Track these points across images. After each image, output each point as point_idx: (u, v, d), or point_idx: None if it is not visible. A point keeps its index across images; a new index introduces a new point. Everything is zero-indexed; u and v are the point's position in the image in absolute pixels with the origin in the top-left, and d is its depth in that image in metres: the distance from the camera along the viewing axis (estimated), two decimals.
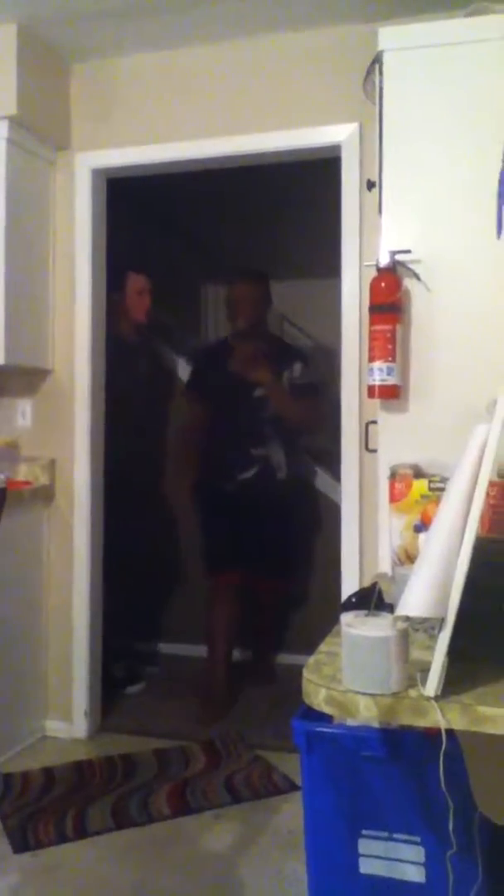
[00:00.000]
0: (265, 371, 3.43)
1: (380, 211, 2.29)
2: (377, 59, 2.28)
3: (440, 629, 1.15)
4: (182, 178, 3.25)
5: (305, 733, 1.66)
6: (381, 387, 2.21)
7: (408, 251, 2.21)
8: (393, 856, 1.65)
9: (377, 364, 2.20)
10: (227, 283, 3.68)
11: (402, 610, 1.17)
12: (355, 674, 1.18)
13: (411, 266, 2.21)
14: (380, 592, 1.59)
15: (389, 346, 2.18)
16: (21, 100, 2.84)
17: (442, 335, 2.22)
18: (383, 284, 2.21)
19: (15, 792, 2.69)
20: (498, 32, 2.15)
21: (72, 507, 3.16)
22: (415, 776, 1.60)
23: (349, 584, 2.71)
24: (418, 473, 2.04)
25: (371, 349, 2.23)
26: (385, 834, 1.65)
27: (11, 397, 3.22)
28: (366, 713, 1.18)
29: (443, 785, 1.24)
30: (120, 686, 3.60)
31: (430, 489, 1.95)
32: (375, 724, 1.58)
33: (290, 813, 2.50)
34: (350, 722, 1.56)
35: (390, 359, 2.19)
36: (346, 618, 1.24)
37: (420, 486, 1.97)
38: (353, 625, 1.20)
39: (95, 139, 3.12)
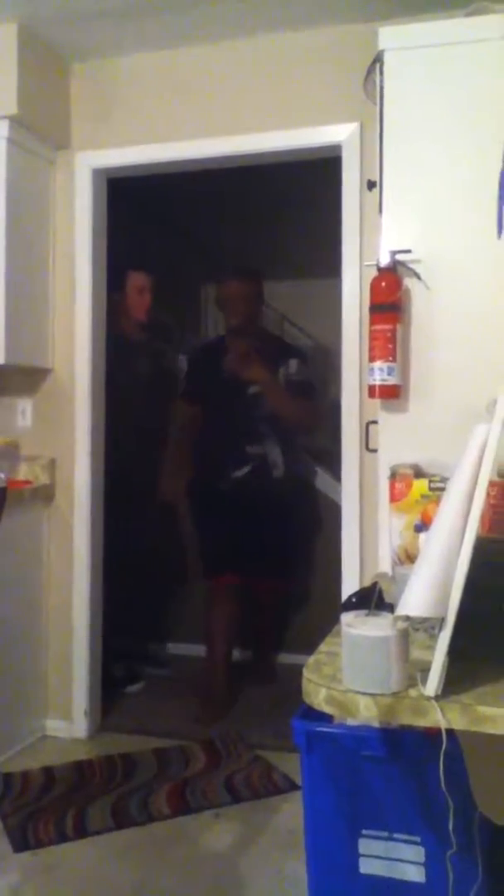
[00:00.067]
0: (259, 368, 3.41)
1: (380, 210, 2.29)
2: (378, 59, 2.28)
3: (440, 629, 1.15)
4: (182, 178, 3.25)
5: (305, 733, 1.66)
6: (381, 387, 2.21)
7: (408, 251, 2.21)
8: (393, 856, 1.65)
9: (377, 364, 2.20)
10: (219, 282, 3.66)
11: (402, 610, 1.17)
12: (355, 673, 1.18)
13: (412, 266, 2.21)
14: (380, 592, 1.59)
15: (390, 346, 2.18)
16: (21, 99, 2.84)
17: (442, 335, 2.22)
18: (384, 284, 2.21)
19: (15, 791, 2.69)
20: (498, 32, 2.15)
21: (72, 507, 3.16)
22: (415, 776, 1.60)
23: (349, 584, 2.71)
24: (418, 473, 2.04)
25: (371, 349, 2.23)
26: (385, 834, 1.65)
27: (11, 396, 3.22)
28: (366, 713, 1.18)
29: (443, 785, 1.24)
30: (120, 685, 3.60)
31: (431, 489, 1.95)
32: (375, 724, 1.58)
33: (290, 813, 2.50)
34: (350, 722, 1.56)
35: (391, 359, 2.19)
36: (347, 617, 1.24)
37: (420, 485, 1.97)
38: (354, 624, 1.20)
39: (96, 139, 3.12)
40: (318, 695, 1.21)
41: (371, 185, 2.47)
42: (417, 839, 1.63)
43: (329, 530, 3.37)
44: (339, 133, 2.80)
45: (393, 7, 2.61)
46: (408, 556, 1.89)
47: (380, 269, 2.23)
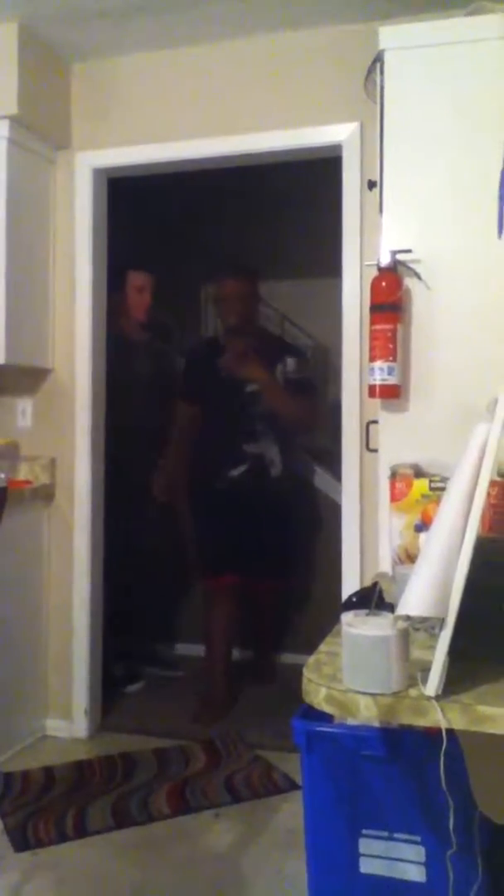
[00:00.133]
0: (257, 367, 3.39)
1: (380, 210, 2.29)
2: (378, 59, 2.29)
3: (441, 629, 1.15)
4: (182, 178, 3.25)
5: (306, 733, 1.66)
6: (381, 386, 2.21)
7: (408, 251, 2.21)
8: (393, 855, 1.65)
9: (378, 364, 2.20)
10: (215, 281, 3.65)
11: (402, 609, 1.17)
12: (356, 673, 1.18)
13: (412, 265, 2.22)
14: (380, 592, 1.59)
15: (390, 346, 2.19)
16: (22, 99, 2.85)
17: (442, 335, 2.22)
18: (384, 284, 2.21)
19: (15, 791, 2.70)
20: (498, 32, 2.15)
21: (72, 507, 3.16)
22: (415, 776, 1.60)
23: (350, 584, 2.71)
24: (419, 473, 2.04)
25: (372, 349, 2.23)
26: (385, 833, 1.65)
27: (12, 396, 3.22)
28: (366, 713, 1.18)
29: (443, 784, 1.24)
30: (120, 685, 3.60)
31: (431, 489, 1.94)
32: (376, 724, 1.58)
33: (291, 812, 2.50)
34: (350, 721, 1.56)
35: (391, 358, 2.19)
36: (347, 617, 1.24)
37: (421, 485, 1.96)
38: (354, 624, 1.20)
39: (96, 139, 3.12)
40: (318, 694, 1.21)
41: (371, 184, 2.47)
42: (418, 839, 1.63)
43: (329, 530, 3.37)
44: (339, 133, 2.80)
45: (393, 7, 2.61)
46: (408, 556, 1.89)
47: (380, 269, 2.23)
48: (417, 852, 1.63)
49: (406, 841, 1.64)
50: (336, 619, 1.37)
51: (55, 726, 3.18)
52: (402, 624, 1.18)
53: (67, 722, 3.17)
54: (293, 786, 2.69)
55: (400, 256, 2.21)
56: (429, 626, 1.33)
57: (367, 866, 1.67)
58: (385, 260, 2.22)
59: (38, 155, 3.06)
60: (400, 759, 1.62)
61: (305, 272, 4.16)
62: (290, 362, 3.49)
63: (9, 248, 2.89)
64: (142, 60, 3.05)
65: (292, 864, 2.17)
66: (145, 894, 2.19)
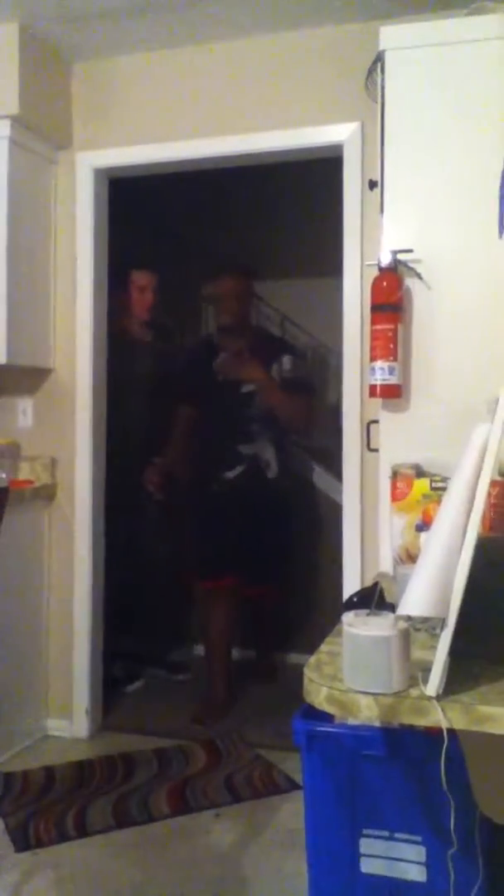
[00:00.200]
0: (254, 368, 3.37)
1: (381, 210, 2.29)
2: (379, 59, 2.29)
3: (442, 628, 1.15)
4: (182, 177, 3.25)
5: (306, 732, 1.66)
6: (382, 386, 2.21)
7: (409, 250, 2.21)
8: (394, 855, 1.65)
9: (379, 363, 2.20)
10: (209, 280, 3.62)
11: (403, 609, 1.17)
12: (356, 673, 1.18)
13: (412, 265, 2.22)
14: (381, 592, 1.59)
15: (391, 346, 2.19)
16: (23, 99, 2.85)
17: (443, 334, 2.22)
18: (385, 284, 2.21)
19: (16, 791, 2.70)
20: (499, 32, 2.15)
21: (73, 507, 3.16)
22: (416, 775, 1.60)
23: (350, 584, 2.72)
24: (420, 473, 2.04)
25: (373, 348, 2.23)
26: (386, 833, 1.65)
27: (13, 396, 3.23)
28: (367, 712, 1.18)
29: (444, 784, 1.24)
30: (121, 685, 3.60)
31: (432, 489, 1.94)
32: (376, 724, 1.58)
33: (291, 812, 2.50)
34: (351, 721, 1.56)
35: (392, 358, 2.19)
36: (348, 617, 1.24)
37: (421, 485, 1.96)
38: (355, 624, 1.20)
39: (97, 139, 3.12)
40: (319, 694, 1.21)
41: (372, 184, 2.47)
42: (418, 839, 1.63)
43: (330, 530, 3.37)
44: (339, 133, 2.80)
45: (393, 7, 2.61)
46: (409, 556, 1.89)
47: (381, 269, 2.23)
48: (418, 852, 1.63)
49: (407, 841, 1.64)
50: (337, 619, 1.37)
51: (56, 726, 3.18)
52: (402, 624, 1.18)
53: (68, 722, 3.17)
54: (294, 785, 2.69)
55: (401, 256, 2.21)
56: (430, 626, 1.33)
57: (367, 866, 1.67)
58: (386, 260, 2.22)
59: (38, 155, 3.06)
60: (400, 759, 1.62)
61: (306, 272, 4.16)
62: (287, 361, 3.46)
63: (10, 248, 2.89)
64: (142, 60, 3.05)
65: (293, 864, 2.17)
66: (146, 894, 2.19)
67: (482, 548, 1.15)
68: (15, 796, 2.66)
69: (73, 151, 3.15)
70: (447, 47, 2.22)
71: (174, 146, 3.02)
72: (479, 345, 2.18)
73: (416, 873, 1.63)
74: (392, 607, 1.35)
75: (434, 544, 1.18)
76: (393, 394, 2.22)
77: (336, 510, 3.00)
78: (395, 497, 2.00)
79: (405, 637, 1.17)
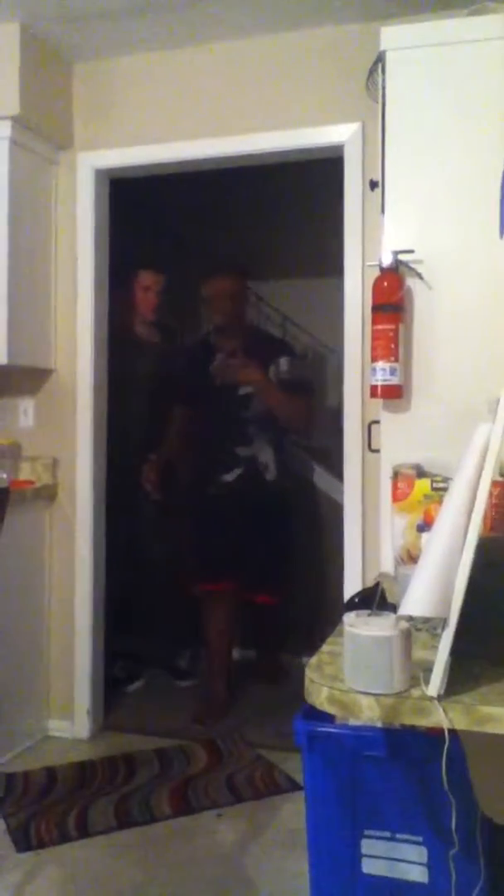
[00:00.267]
0: (251, 370, 3.35)
1: (382, 210, 2.29)
2: (379, 59, 2.29)
3: (443, 629, 1.14)
4: (183, 177, 3.24)
5: (307, 733, 1.66)
6: (383, 386, 2.21)
7: (410, 251, 2.21)
8: (395, 856, 1.65)
9: (380, 364, 2.20)
10: (203, 279, 3.57)
11: (404, 609, 1.17)
12: (358, 673, 1.18)
13: (413, 266, 2.21)
14: (382, 592, 1.59)
15: (392, 346, 2.18)
16: (24, 100, 2.85)
17: (444, 335, 2.22)
18: (386, 284, 2.21)
19: (17, 791, 2.70)
20: (500, 32, 2.15)
21: (74, 507, 3.16)
22: (417, 776, 1.60)
23: (352, 584, 2.71)
24: (421, 473, 2.04)
25: (374, 349, 2.23)
26: (387, 834, 1.65)
27: (14, 397, 3.23)
28: (368, 713, 1.18)
29: (445, 785, 1.24)
30: (121, 685, 3.60)
31: (433, 489, 1.94)
32: (378, 724, 1.58)
33: (292, 812, 2.50)
34: (352, 721, 1.56)
35: (393, 358, 2.19)
36: (349, 617, 1.24)
37: (423, 485, 1.96)
38: (356, 624, 1.20)
39: (97, 139, 3.13)
40: (320, 694, 1.21)
41: (373, 184, 2.47)
42: (420, 839, 1.63)
43: (331, 530, 3.36)
44: (340, 133, 2.80)
45: (394, 7, 2.61)
46: (410, 556, 1.89)
47: (382, 269, 2.23)
48: (419, 853, 1.63)
49: (408, 841, 1.64)
50: (338, 620, 1.37)
51: (57, 727, 3.18)
52: (404, 624, 1.18)
53: (69, 722, 3.17)
54: (295, 786, 2.69)
55: (402, 256, 2.21)
56: (431, 626, 1.33)
57: (369, 867, 1.67)
58: (387, 260, 2.22)
59: (39, 155, 3.06)
60: (402, 760, 1.62)
61: (307, 272, 4.16)
62: (284, 361, 3.43)
63: (11, 248, 2.89)
64: (143, 60, 3.05)
65: (294, 864, 2.17)
66: (147, 894, 2.19)
67: (483, 548, 1.15)
68: (16, 797, 2.66)
69: (73, 152, 3.15)
70: (448, 47, 2.22)
71: (175, 146, 3.02)
72: (479, 345, 2.18)
73: (418, 874, 1.63)
74: (393, 608, 1.36)
75: (435, 545, 1.18)
76: (394, 394, 2.22)
77: (336, 510, 3.00)
78: (396, 497, 2.00)
79: (406, 637, 1.17)
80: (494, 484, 1.18)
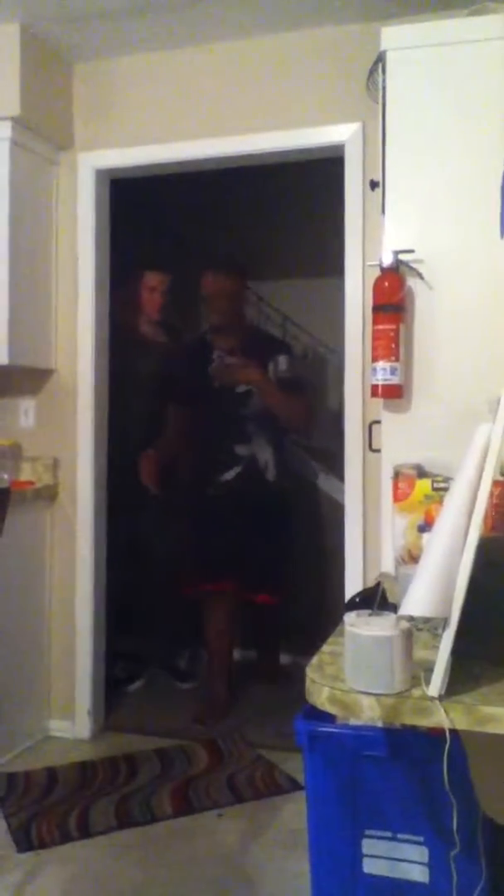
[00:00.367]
0: (251, 371, 3.34)
1: (383, 210, 2.29)
2: (380, 59, 2.29)
3: (444, 629, 1.14)
4: (183, 177, 3.24)
5: (308, 733, 1.66)
6: (384, 386, 2.21)
7: (411, 251, 2.21)
8: (396, 856, 1.65)
9: (380, 364, 2.20)
10: (200, 277, 3.54)
11: (405, 609, 1.17)
12: (358, 673, 1.18)
13: (414, 266, 2.21)
14: (383, 592, 1.59)
15: (393, 346, 2.18)
16: (24, 100, 2.85)
17: (445, 335, 2.22)
18: (387, 284, 2.21)
19: (18, 792, 2.70)
20: (500, 32, 2.15)
21: (75, 507, 3.16)
22: (418, 776, 1.60)
23: (353, 584, 2.72)
24: (422, 473, 2.04)
25: (374, 349, 2.23)
26: (389, 834, 1.65)
27: (15, 397, 3.23)
28: (369, 713, 1.18)
29: (446, 785, 1.24)
30: (122, 685, 3.60)
31: (434, 489, 1.94)
32: (378, 724, 1.58)
33: (293, 812, 2.50)
34: (353, 722, 1.56)
35: (394, 358, 2.19)
36: (350, 617, 1.24)
37: (423, 485, 1.96)
38: (357, 624, 1.20)
39: (98, 139, 3.13)
40: (320, 695, 1.21)
41: (373, 184, 2.47)
42: (421, 839, 1.63)
43: (331, 530, 3.36)
44: (341, 133, 2.80)
45: (394, 7, 2.61)
46: (411, 557, 1.89)
47: (382, 269, 2.23)
48: (421, 853, 1.63)
49: (409, 841, 1.64)
50: (339, 620, 1.37)
51: (58, 727, 3.18)
52: (405, 624, 1.18)
53: (70, 722, 3.17)
54: (296, 786, 2.69)
55: (402, 256, 2.21)
56: (432, 626, 1.33)
57: (370, 867, 1.67)
58: (387, 260, 2.22)
59: (40, 156, 3.06)
60: (402, 760, 1.62)
61: (307, 272, 4.16)
62: (283, 360, 3.42)
63: (11, 249, 2.89)
64: (143, 61, 3.05)
65: (295, 865, 2.17)
66: (148, 894, 2.19)
67: (484, 548, 1.15)
68: (17, 797, 2.66)
69: (74, 152, 3.15)
70: (448, 47, 2.22)
71: (175, 147, 3.02)
72: (480, 345, 2.18)
73: (419, 874, 1.63)
74: (394, 608, 1.35)
75: (436, 545, 1.18)
76: (394, 394, 2.22)
77: (337, 510, 3.00)
78: (396, 497, 2.00)
79: (407, 637, 1.17)
80: (495, 484, 1.18)
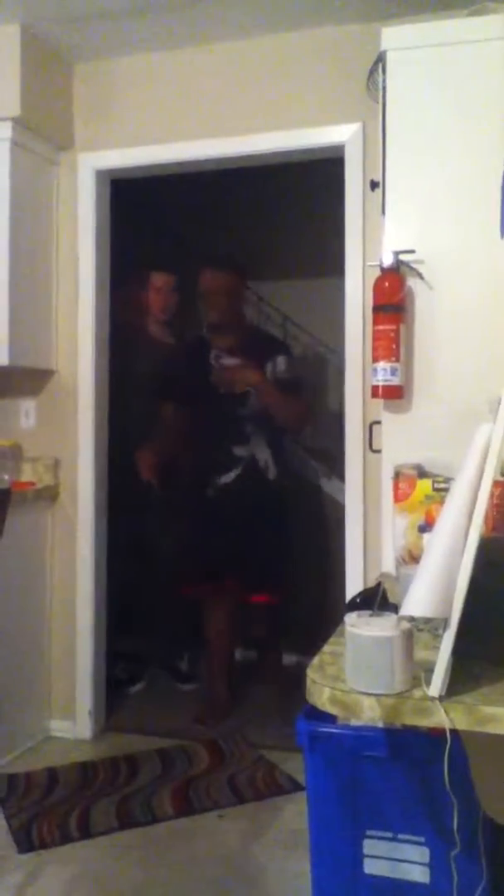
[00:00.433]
0: (252, 374, 3.33)
1: (383, 211, 2.29)
2: (380, 59, 2.29)
3: (444, 629, 1.14)
4: (183, 178, 3.24)
5: (309, 733, 1.66)
6: (384, 387, 2.21)
7: (411, 251, 2.21)
8: (397, 856, 1.65)
9: (381, 364, 2.20)
10: (199, 274, 3.50)
11: (406, 610, 1.17)
12: (359, 674, 1.18)
13: (414, 266, 2.21)
14: (384, 592, 1.59)
15: (393, 346, 2.18)
16: (24, 101, 2.85)
17: (445, 335, 2.22)
18: (387, 284, 2.21)
19: (19, 792, 2.70)
20: (500, 32, 2.15)
21: (76, 508, 3.16)
22: (419, 776, 1.60)
23: (353, 584, 2.72)
24: (422, 473, 2.04)
25: (375, 349, 2.23)
26: (389, 834, 1.65)
27: (15, 398, 3.23)
28: (370, 713, 1.18)
29: (447, 785, 1.24)
30: (123, 685, 3.60)
31: (435, 489, 1.94)
32: (379, 725, 1.58)
33: (294, 813, 2.50)
34: (354, 722, 1.56)
35: (394, 359, 2.19)
36: (350, 618, 1.24)
37: (424, 486, 1.96)
38: (357, 625, 1.20)
39: (98, 140, 3.13)
40: (321, 695, 1.21)
41: (374, 185, 2.47)
42: (422, 840, 1.63)
43: (332, 530, 3.36)
44: (341, 133, 2.80)
45: (394, 7, 2.61)
46: (412, 557, 1.89)
47: (383, 270, 2.23)
48: (421, 853, 1.63)
49: (410, 842, 1.64)
50: (339, 620, 1.37)
51: (59, 727, 3.18)
52: (405, 624, 1.18)
53: (71, 723, 3.17)
54: (297, 786, 2.69)
55: (402, 257, 2.21)
56: (432, 626, 1.33)
57: (370, 867, 1.67)
58: (388, 260, 2.22)
59: (40, 156, 3.06)
60: (403, 760, 1.62)
61: (307, 273, 4.16)
62: (281, 361, 3.40)
63: (12, 249, 2.89)
64: (143, 61, 3.05)
65: (296, 865, 2.17)
66: (149, 895, 2.19)
67: (485, 548, 1.15)
68: (18, 797, 2.66)
69: (74, 152, 3.15)
70: (448, 48, 2.22)
71: (175, 147, 3.02)
72: (480, 345, 2.18)
73: (420, 874, 1.64)
74: (395, 608, 1.35)
75: (437, 545, 1.18)
76: (395, 394, 2.22)
77: (338, 510, 3.00)
78: (397, 498, 2.00)
79: (408, 638, 1.17)
80: (495, 484, 1.18)
